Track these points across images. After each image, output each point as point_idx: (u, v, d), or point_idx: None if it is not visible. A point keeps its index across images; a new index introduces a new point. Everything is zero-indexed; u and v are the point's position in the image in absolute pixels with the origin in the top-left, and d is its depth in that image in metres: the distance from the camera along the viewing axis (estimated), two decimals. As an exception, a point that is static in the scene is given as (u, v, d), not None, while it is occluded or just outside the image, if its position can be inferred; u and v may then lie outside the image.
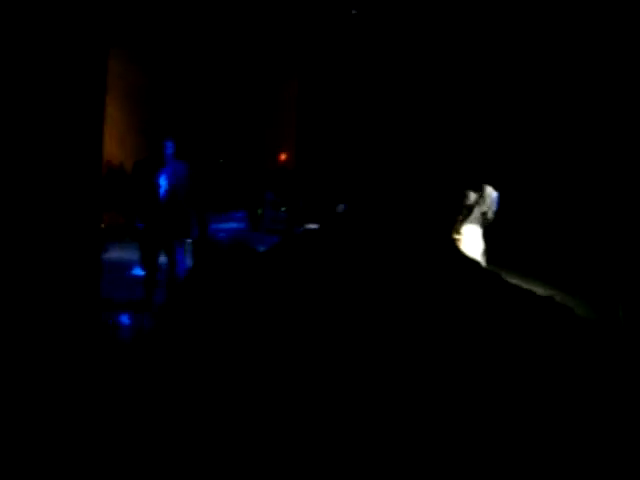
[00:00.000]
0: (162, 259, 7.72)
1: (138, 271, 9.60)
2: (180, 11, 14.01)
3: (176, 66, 15.32)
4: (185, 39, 15.00)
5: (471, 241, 9.27)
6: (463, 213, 9.47)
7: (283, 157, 14.13)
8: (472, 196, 9.29)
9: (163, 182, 7.42)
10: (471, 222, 9.25)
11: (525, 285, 9.65)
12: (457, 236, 9.28)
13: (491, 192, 9.28)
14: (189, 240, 7.99)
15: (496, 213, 9.33)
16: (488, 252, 9.44)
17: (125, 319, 7.23)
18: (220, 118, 14.52)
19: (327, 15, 12.54)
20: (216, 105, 14.77)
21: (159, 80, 15.55)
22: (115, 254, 11.15)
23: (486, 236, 9.38)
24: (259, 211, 12.83)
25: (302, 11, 12.67)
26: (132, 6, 14.32)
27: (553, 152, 11.77)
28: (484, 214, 9.22)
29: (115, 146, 15.91)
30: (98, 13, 5.35)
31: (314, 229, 2.70)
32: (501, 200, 9.41)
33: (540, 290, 9.24)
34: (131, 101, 15.96)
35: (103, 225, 13.12)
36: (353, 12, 12.20)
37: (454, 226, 9.34)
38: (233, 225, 12.09)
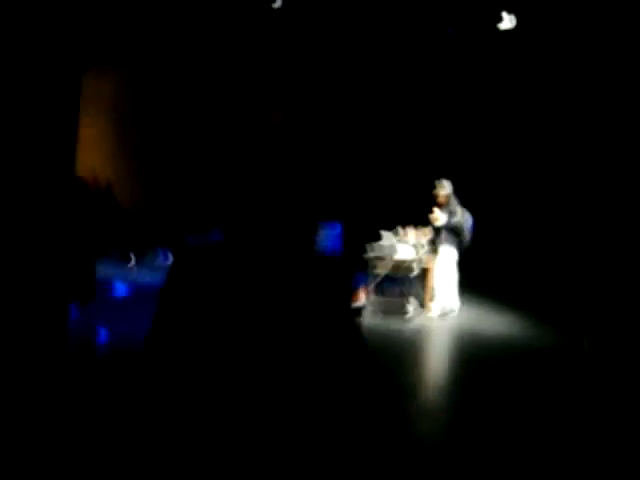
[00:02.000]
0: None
1: (120, 290, 9.81)
2: (169, 35, 14.29)
3: (166, 88, 15.58)
4: (176, 61, 15.28)
5: (444, 261, 9.59)
6: (433, 233, 9.80)
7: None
8: (442, 218, 9.60)
9: None
10: (447, 243, 9.57)
11: (496, 309, 10.03)
12: (433, 255, 9.62)
13: (467, 217, 9.61)
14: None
15: (472, 238, 9.67)
16: (465, 277, 9.79)
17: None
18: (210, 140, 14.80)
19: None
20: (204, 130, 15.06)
21: (148, 101, 15.81)
22: (100, 273, 11.32)
23: (463, 261, 9.72)
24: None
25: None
26: (122, 27, 14.58)
27: (529, 176, 12.16)
28: (458, 237, 9.54)
29: (105, 165, 16.15)
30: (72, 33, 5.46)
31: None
32: (480, 225, 9.76)
33: (510, 315, 9.66)
34: (123, 121, 16.20)
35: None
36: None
37: (428, 243, 9.68)
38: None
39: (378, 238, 9.70)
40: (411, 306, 9.39)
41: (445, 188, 9.70)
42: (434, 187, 9.74)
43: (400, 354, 7.83)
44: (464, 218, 9.60)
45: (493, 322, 9.58)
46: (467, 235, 9.61)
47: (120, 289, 9.88)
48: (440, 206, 9.68)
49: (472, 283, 10.25)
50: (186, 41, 14.55)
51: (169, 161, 15.24)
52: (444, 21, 11.50)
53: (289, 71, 14.62)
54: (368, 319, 9.21)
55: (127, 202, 14.92)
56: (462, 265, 9.77)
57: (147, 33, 14.48)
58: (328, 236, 12.04)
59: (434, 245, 9.74)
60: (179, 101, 15.52)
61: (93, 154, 16.28)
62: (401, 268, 9.47)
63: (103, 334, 7.35)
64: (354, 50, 13.10)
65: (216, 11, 12.52)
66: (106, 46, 15.45)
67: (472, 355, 7.95)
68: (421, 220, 9.93)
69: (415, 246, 9.58)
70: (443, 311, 9.64)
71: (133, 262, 12.23)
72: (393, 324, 9.03)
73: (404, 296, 9.52)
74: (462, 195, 9.82)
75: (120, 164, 16.05)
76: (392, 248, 9.51)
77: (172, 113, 15.56)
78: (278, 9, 10.32)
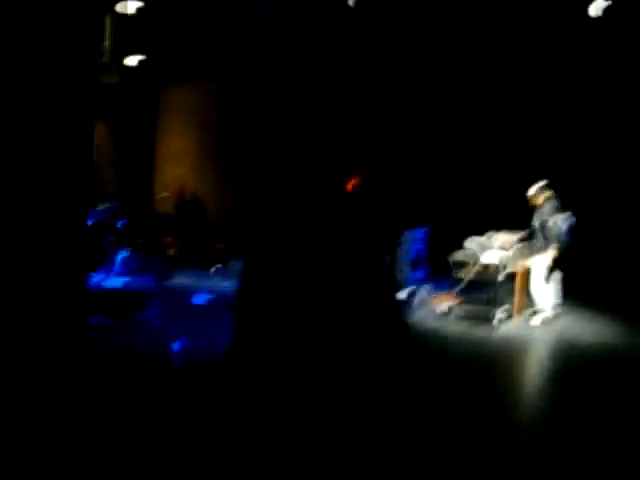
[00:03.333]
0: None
1: (199, 299, 9.76)
2: (252, 48, 14.34)
3: (249, 101, 15.65)
4: (258, 75, 15.33)
5: (538, 271, 9.05)
6: (525, 237, 9.27)
7: (353, 184, 14.12)
8: (536, 221, 9.10)
9: None
10: (542, 246, 9.03)
11: (598, 315, 9.25)
12: (526, 264, 9.10)
13: (560, 221, 9.04)
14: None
15: (569, 241, 9.07)
16: (563, 281, 9.19)
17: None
18: (289, 153, 14.71)
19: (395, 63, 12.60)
20: (285, 140, 14.99)
21: (232, 113, 15.92)
22: (180, 280, 11.40)
23: (564, 264, 9.14)
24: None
25: (371, 58, 12.79)
26: (205, 43, 14.75)
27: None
28: (553, 239, 8.98)
29: (189, 175, 16.35)
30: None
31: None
32: (581, 228, 9.16)
33: (615, 322, 8.95)
34: (205, 133, 16.39)
35: (172, 252, 13.51)
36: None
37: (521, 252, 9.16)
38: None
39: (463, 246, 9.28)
40: (499, 313, 8.88)
41: (537, 190, 9.19)
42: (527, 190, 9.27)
43: (488, 364, 7.32)
44: (559, 221, 9.03)
45: (595, 329, 8.89)
46: (562, 238, 9.00)
47: (200, 297, 9.81)
48: (534, 208, 9.18)
49: (571, 288, 9.58)
50: (269, 54, 14.55)
51: (253, 172, 15.25)
52: (529, 15, 10.95)
53: (372, 78, 14.34)
54: (453, 326, 8.78)
55: (212, 212, 15.03)
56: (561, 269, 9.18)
57: (231, 47, 14.58)
58: (414, 240, 11.74)
59: (526, 249, 9.19)
60: (263, 112, 15.53)
61: (181, 166, 16.58)
62: (487, 272, 8.98)
63: (180, 344, 7.23)
64: (437, 51, 12.70)
65: (296, 24, 12.40)
66: (191, 60, 15.72)
67: (571, 366, 7.34)
68: (514, 224, 9.45)
69: (502, 249, 9.07)
70: (541, 317, 9.07)
71: (214, 270, 12.21)
72: (480, 332, 8.56)
73: (491, 302, 9.03)
74: (562, 196, 9.24)
75: (207, 175, 16.24)
76: (477, 251, 9.05)
77: (256, 124, 15.60)
78: (353, 8, 9.99)
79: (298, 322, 3.02)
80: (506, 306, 9.06)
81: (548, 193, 9.16)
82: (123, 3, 12.21)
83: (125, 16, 12.57)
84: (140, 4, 11.93)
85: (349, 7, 10.24)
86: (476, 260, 8.98)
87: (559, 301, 9.18)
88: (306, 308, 3.04)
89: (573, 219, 9.03)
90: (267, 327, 3.07)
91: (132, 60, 14.43)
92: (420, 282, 11.07)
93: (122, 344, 7.20)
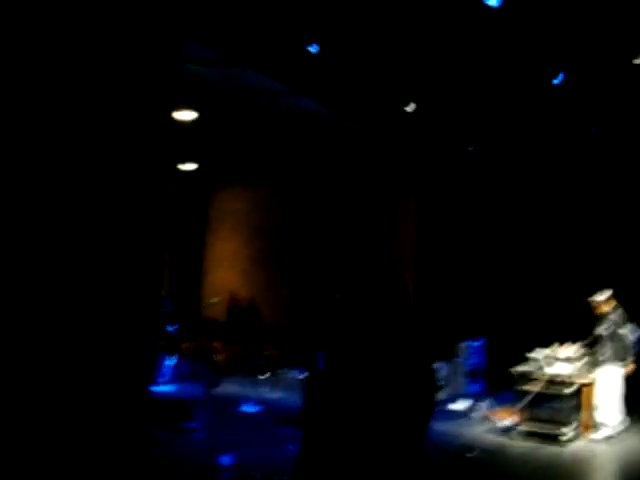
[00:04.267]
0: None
1: (248, 409, 9.45)
2: (301, 153, 14.54)
3: (299, 205, 15.76)
4: (308, 178, 15.48)
5: (607, 384, 8.54)
6: (589, 341, 8.83)
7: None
8: (601, 329, 8.66)
9: None
10: (610, 357, 8.54)
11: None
12: (592, 377, 8.59)
13: (631, 331, 8.61)
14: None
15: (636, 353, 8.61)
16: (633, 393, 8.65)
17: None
18: (339, 244, 14.62)
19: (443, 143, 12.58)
20: (336, 233, 14.93)
21: (282, 218, 16.00)
22: (229, 388, 11.08)
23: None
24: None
25: (418, 134, 12.80)
26: (255, 149, 14.98)
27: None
28: (627, 351, 8.52)
29: (240, 280, 16.31)
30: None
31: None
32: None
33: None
34: (254, 237, 16.45)
35: (221, 358, 13.24)
36: (469, 149, 12.15)
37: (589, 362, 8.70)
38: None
39: (524, 358, 8.85)
40: (568, 428, 8.31)
41: (602, 297, 8.81)
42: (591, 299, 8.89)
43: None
44: (630, 330, 8.60)
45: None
46: (631, 348, 8.54)
47: (248, 407, 9.49)
48: (599, 316, 8.76)
49: (636, 400, 8.99)
50: (318, 157, 14.72)
51: (307, 277, 15.11)
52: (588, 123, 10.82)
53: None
54: (518, 443, 8.23)
55: (266, 317, 14.84)
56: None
57: (280, 152, 14.78)
58: (471, 351, 11.35)
59: (594, 359, 8.71)
60: (313, 215, 15.56)
61: (231, 270, 16.59)
62: (554, 385, 8.47)
63: (228, 459, 6.86)
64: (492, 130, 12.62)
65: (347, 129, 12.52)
66: (242, 166, 15.98)
67: None
68: (575, 335, 9.03)
69: (570, 360, 8.60)
70: (608, 433, 8.47)
71: (264, 378, 11.90)
72: (547, 450, 7.98)
73: (559, 417, 8.48)
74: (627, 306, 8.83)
75: (256, 280, 16.17)
76: (543, 364, 8.59)
77: (308, 227, 15.60)
78: (412, 112, 10.02)
79: (361, 440, 3.21)
80: (574, 424, 8.47)
81: (614, 302, 8.76)
82: (181, 112, 12.50)
83: (178, 125, 12.87)
84: (195, 114, 12.21)
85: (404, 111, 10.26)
86: (543, 373, 8.50)
87: (624, 417, 8.60)
88: (367, 426, 3.23)
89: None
90: (334, 443, 3.23)
91: (186, 166, 14.70)
92: (478, 395, 10.61)
93: (170, 457, 6.86)
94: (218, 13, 7.74)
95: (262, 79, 9.35)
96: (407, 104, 9.93)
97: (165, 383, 9.52)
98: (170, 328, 10.71)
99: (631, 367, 8.51)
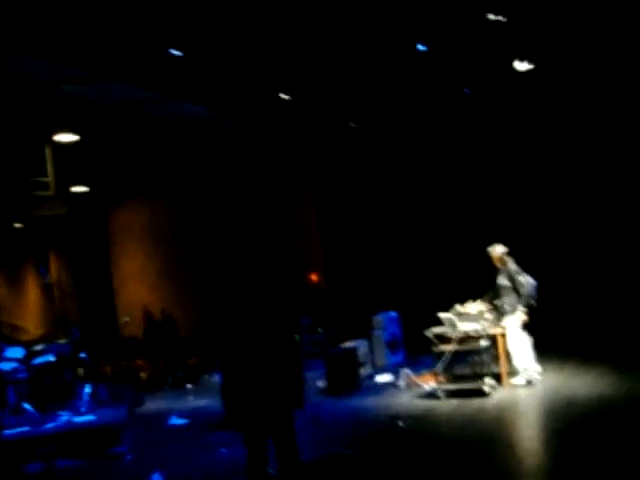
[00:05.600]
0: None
1: (177, 420, 9.34)
2: (190, 156, 14.39)
3: (197, 209, 15.60)
4: (201, 180, 15.32)
5: (513, 334, 8.85)
6: (490, 294, 9.14)
7: (314, 277, 14.00)
8: (502, 280, 8.96)
9: None
10: (513, 306, 8.84)
11: (580, 369, 8.92)
12: (502, 326, 8.86)
13: (527, 279, 8.92)
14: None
15: (536, 300, 8.92)
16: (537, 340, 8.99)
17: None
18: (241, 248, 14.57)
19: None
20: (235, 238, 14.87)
21: (182, 225, 15.82)
22: (155, 405, 10.92)
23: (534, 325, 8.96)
24: (296, 338, 12.43)
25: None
26: (144, 162, 14.72)
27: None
28: (521, 296, 8.83)
29: (150, 293, 16.05)
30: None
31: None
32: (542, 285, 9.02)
33: (599, 373, 8.67)
34: (159, 250, 16.21)
35: (145, 375, 13.02)
36: (351, 125, 12.29)
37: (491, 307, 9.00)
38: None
39: (437, 321, 9.05)
40: (488, 380, 8.58)
41: (497, 250, 9.11)
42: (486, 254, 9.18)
43: (489, 435, 6.96)
44: (528, 278, 8.92)
45: (583, 383, 8.54)
46: (529, 293, 8.86)
47: (175, 420, 9.37)
48: (497, 269, 9.06)
49: (544, 345, 9.33)
50: (210, 157, 14.60)
51: (213, 279, 15.00)
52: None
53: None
54: (443, 405, 8.44)
55: (181, 328, 14.66)
56: (532, 329, 8.98)
57: (170, 160, 14.59)
58: (388, 321, 11.55)
59: (501, 310, 9.00)
60: (212, 216, 15.44)
61: (140, 285, 16.30)
62: (467, 342, 8.72)
63: (159, 475, 6.75)
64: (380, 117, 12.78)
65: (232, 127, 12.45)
66: (134, 181, 15.67)
67: (572, 423, 6.88)
68: (479, 293, 9.31)
69: (479, 314, 8.85)
70: (526, 378, 8.78)
71: (190, 386, 11.78)
72: (472, 404, 8.22)
73: (478, 371, 8.74)
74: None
75: (167, 291, 15.95)
76: (452, 323, 8.82)
77: (207, 229, 15.47)
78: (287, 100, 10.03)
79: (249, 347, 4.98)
80: (491, 374, 8.76)
81: (507, 254, 9.10)
82: (60, 135, 12.16)
83: (65, 147, 12.55)
84: (75, 137, 11.91)
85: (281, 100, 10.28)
86: (456, 331, 8.73)
87: (536, 362, 8.93)
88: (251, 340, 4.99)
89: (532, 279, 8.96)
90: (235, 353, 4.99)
91: (77, 189, 14.32)
92: (400, 364, 10.82)
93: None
94: (74, 26, 7.54)
95: (130, 89, 9.18)
96: (281, 92, 9.95)
97: (86, 412, 9.27)
98: (83, 355, 10.44)
99: (525, 317, 8.81)
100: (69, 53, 7.67)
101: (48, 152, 14.14)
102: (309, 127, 12.95)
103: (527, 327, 8.90)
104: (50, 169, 14.42)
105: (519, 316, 8.79)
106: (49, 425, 8.67)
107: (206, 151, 14.29)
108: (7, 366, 9.65)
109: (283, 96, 10.28)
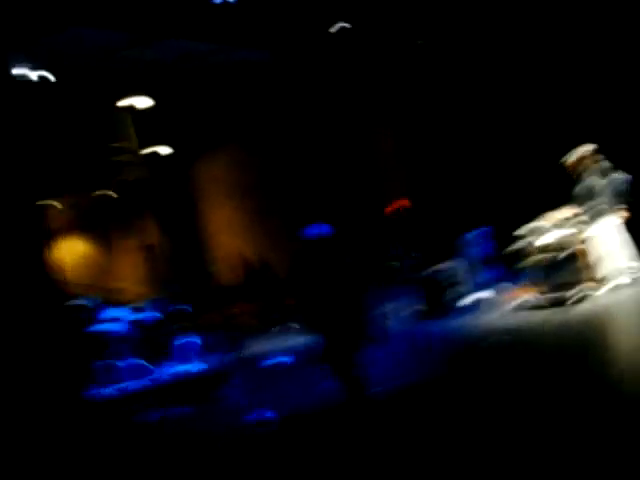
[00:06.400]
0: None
1: (281, 359, 9.59)
2: (260, 103, 14.43)
3: (281, 153, 15.64)
4: (279, 126, 15.38)
5: (611, 234, 8.54)
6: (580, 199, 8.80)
7: (402, 203, 13.87)
8: (593, 181, 8.61)
9: None
10: (605, 213, 8.53)
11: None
12: (584, 236, 8.60)
13: (614, 178, 8.57)
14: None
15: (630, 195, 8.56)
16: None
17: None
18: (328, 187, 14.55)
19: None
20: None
21: (266, 171, 15.93)
22: (257, 348, 11.26)
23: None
24: (395, 264, 12.43)
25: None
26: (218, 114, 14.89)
27: None
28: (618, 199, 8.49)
29: (244, 241, 16.38)
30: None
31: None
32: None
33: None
34: (245, 197, 16.43)
35: (246, 320, 13.42)
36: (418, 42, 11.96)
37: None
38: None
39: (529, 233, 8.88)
40: (572, 290, 8.34)
41: (587, 148, 8.73)
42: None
43: (578, 346, 6.83)
44: (619, 174, 8.54)
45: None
46: (626, 189, 8.48)
47: (277, 359, 9.65)
48: (574, 175, 8.72)
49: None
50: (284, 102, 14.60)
51: (299, 219, 15.04)
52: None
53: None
54: (533, 317, 8.33)
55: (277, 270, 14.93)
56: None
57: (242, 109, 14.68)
58: (477, 241, 11.38)
59: (593, 215, 8.68)
60: (295, 160, 15.47)
61: (232, 235, 16.64)
62: (561, 248, 8.50)
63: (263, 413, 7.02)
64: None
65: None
66: (212, 135, 15.88)
67: None
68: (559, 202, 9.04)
69: (559, 226, 8.59)
70: (613, 284, 8.48)
71: (283, 329, 12.13)
72: (560, 314, 8.06)
73: (564, 281, 8.55)
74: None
75: (259, 237, 16.21)
76: (530, 237, 8.61)
77: (291, 172, 15.52)
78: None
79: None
80: (579, 285, 8.50)
81: (591, 158, 8.69)
82: (135, 99, 12.39)
83: (143, 113, 12.88)
84: (150, 101, 12.11)
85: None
86: (530, 246, 8.55)
87: (634, 264, 8.58)
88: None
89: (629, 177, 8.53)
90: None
91: (159, 150, 14.64)
92: (497, 279, 10.67)
93: (204, 427, 7.12)
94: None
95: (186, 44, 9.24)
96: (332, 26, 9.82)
97: (194, 362, 9.72)
98: (186, 307, 10.91)
99: (626, 214, 8.46)
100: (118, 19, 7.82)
101: (127, 118, 14.55)
102: (377, 54, 12.73)
103: (627, 224, 8.59)
104: (131, 134, 14.86)
105: (618, 214, 8.47)
106: (162, 377, 9.15)
107: (278, 95, 14.29)
108: (117, 326, 10.16)
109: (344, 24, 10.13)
